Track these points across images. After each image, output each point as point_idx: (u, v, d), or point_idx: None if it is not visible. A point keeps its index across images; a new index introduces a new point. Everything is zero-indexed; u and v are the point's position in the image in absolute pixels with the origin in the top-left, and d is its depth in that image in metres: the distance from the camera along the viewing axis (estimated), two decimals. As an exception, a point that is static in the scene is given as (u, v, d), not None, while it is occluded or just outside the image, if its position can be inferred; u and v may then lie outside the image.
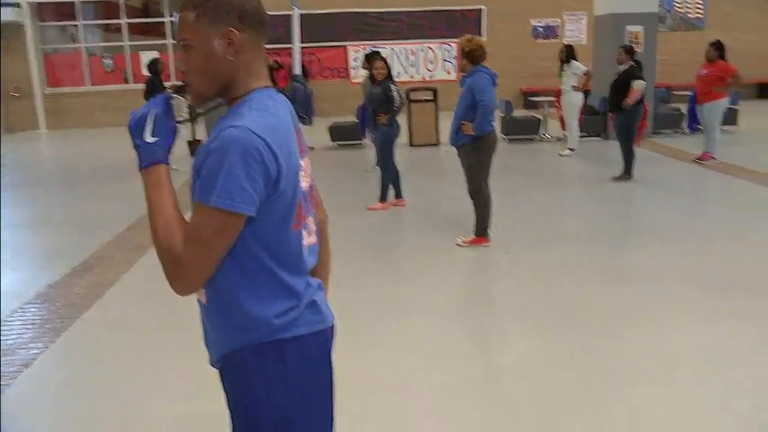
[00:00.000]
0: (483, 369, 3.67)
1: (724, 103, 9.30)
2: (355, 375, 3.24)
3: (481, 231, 5.72)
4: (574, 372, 3.51)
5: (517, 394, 3.36)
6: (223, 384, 1.64)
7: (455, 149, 5.70)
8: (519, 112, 13.55)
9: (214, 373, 1.68)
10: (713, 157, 9.27)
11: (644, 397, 3.22)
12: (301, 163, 1.60)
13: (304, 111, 10.29)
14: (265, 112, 1.50)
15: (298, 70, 10.82)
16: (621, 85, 8.27)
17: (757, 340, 3.84)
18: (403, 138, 8.40)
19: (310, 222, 1.68)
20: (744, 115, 12.52)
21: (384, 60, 7.11)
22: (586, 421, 3.06)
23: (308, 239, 1.66)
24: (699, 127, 10.59)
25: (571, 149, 10.42)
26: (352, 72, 13.26)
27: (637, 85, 8.14)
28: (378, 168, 7.36)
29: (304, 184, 1.61)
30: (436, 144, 11.46)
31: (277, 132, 1.49)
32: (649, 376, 3.45)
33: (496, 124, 5.76)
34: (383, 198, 7.20)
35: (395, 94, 6.80)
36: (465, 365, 3.65)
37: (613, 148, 8.83)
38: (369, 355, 3.73)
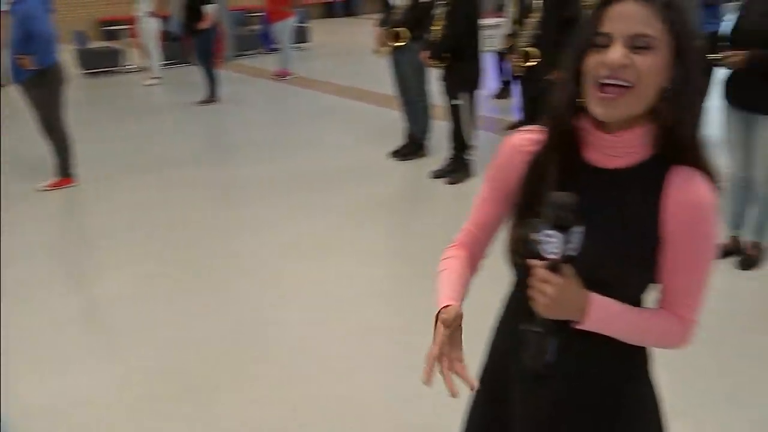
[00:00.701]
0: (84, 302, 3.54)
1: (291, 21, 9.99)
2: None
3: (64, 171, 5.33)
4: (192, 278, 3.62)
5: (119, 318, 3.34)
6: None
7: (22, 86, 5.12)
8: (98, 44, 12.69)
9: None
10: (290, 73, 9.98)
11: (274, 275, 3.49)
12: None
13: None
14: None
15: None
16: (193, 9, 8.27)
17: (339, 226, 4.42)
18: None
19: None
20: (315, 32, 13.67)
21: None
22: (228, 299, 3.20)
23: None
24: (276, 46, 11.24)
25: (155, 78, 10.19)
26: None
27: (209, 9, 8.23)
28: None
29: None
30: None
31: None
32: (274, 258, 3.78)
33: (70, 58, 5.31)
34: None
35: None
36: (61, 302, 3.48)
37: (196, 73, 8.89)
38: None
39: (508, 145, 1.30)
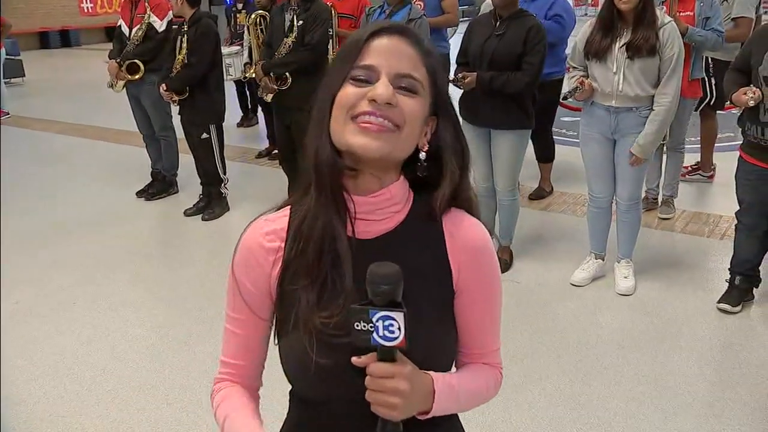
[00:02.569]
0: None
1: (1, 54, 8.93)
2: None
3: None
4: None
5: None
6: None
7: None
8: None
9: None
10: (6, 113, 8.90)
11: None
12: None
13: None
14: None
15: None
16: None
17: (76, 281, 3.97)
18: None
19: None
20: (29, 65, 12.37)
21: None
22: None
23: None
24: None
25: None
26: None
27: None
28: None
29: None
30: None
31: None
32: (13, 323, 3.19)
33: None
34: None
35: None
36: None
37: None
38: None
39: (242, 251, 1.10)
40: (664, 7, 3.51)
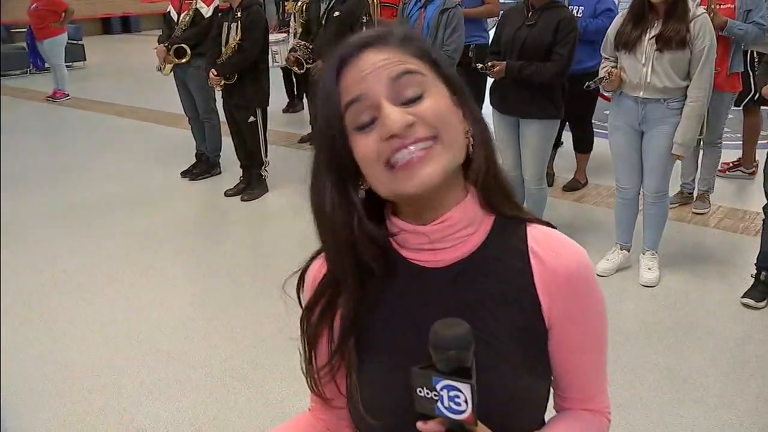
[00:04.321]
0: None
1: (63, 38, 9.30)
2: None
3: None
4: None
5: None
6: None
7: None
8: None
9: None
10: (66, 94, 9.29)
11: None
12: None
13: None
14: None
15: None
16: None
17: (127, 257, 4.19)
18: None
19: None
20: (91, 50, 12.84)
21: None
22: None
23: None
24: (46, 65, 10.37)
25: None
26: None
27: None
28: None
29: None
30: None
31: None
32: (70, 291, 3.43)
33: None
34: None
35: None
36: None
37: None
38: None
39: (307, 285, 1.00)
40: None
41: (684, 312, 3.34)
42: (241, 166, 5.24)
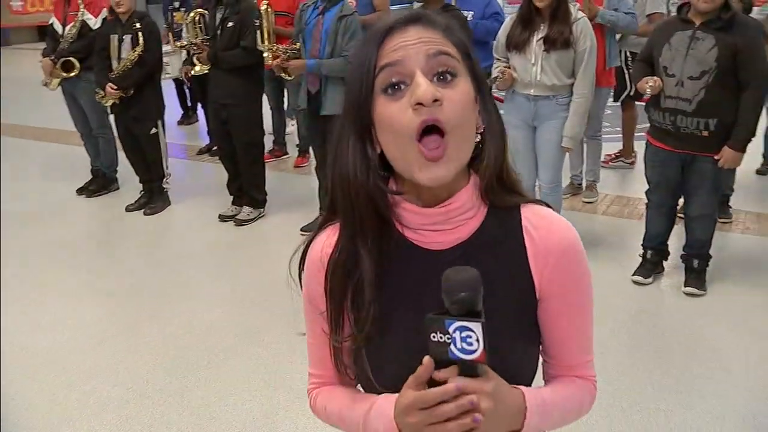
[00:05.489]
0: None
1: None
2: None
3: None
4: None
5: None
6: None
7: None
8: None
9: None
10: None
11: None
12: None
13: None
14: None
15: None
16: None
17: None
18: None
19: None
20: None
21: None
22: None
23: None
24: None
25: None
26: None
27: None
28: None
29: None
30: None
31: None
32: None
33: None
34: None
35: None
36: None
37: None
38: None
39: (308, 263, 1.04)
40: (577, 4, 3.77)
41: (583, 293, 3.59)
42: (140, 181, 5.12)
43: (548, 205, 1.03)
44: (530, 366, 1.02)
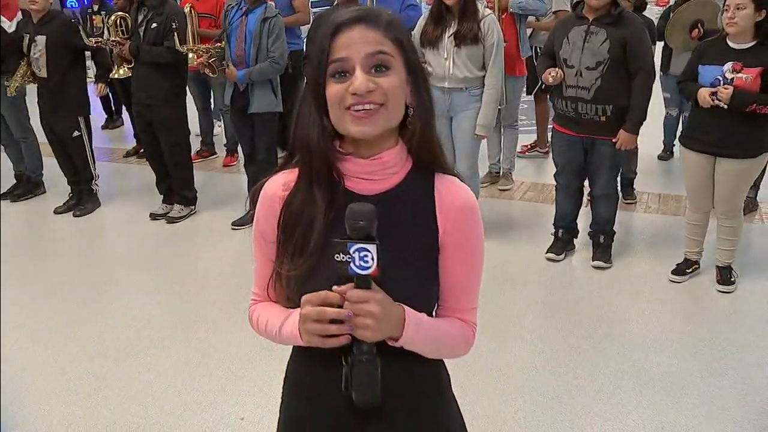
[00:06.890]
0: None
1: None
2: None
3: None
4: None
5: None
6: None
7: None
8: None
9: None
10: None
11: None
12: None
13: None
14: None
15: None
16: None
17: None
18: None
19: None
20: None
21: None
22: None
23: None
24: None
25: None
26: None
27: None
28: None
29: None
30: None
31: None
32: None
33: None
34: None
35: None
36: None
37: None
38: None
39: (263, 197, 1.24)
40: (485, 1, 4.04)
41: (500, 270, 3.86)
42: (69, 183, 5.11)
43: (461, 179, 1.25)
44: (428, 300, 1.23)
